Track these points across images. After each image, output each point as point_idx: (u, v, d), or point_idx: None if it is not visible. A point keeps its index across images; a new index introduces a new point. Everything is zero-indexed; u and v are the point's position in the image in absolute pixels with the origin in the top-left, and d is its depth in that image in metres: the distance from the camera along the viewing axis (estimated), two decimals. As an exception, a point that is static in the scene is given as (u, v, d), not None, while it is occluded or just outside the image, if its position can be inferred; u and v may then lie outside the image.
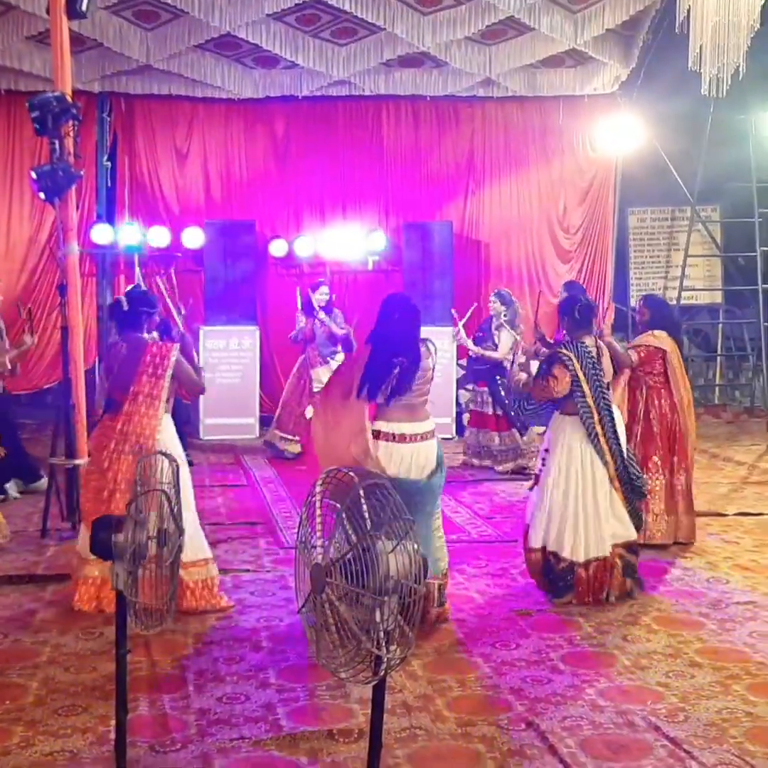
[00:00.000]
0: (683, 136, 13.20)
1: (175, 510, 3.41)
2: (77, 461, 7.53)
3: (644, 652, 5.31)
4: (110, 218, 13.03)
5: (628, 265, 14.51)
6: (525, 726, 4.40)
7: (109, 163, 13.14)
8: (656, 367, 7.54)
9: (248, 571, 6.82)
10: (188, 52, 12.33)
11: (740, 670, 5.03)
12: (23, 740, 4.23)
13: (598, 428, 6.08)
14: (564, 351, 6.18)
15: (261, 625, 5.73)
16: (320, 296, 10.72)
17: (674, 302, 14.18)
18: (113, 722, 4.09)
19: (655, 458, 7.44)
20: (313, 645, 3.06)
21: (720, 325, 14.98)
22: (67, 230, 7.56)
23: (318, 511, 3.06)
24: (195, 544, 5.87)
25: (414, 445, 5.67)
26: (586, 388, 6.08)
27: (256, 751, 4.16)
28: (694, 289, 14.47)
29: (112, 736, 4.10)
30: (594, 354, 6.20)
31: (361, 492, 2.95)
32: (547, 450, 6.31)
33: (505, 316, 9.94)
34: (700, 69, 8.99)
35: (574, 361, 6.12)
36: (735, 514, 8.45)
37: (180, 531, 3.46)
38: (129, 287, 9.22)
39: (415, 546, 2.85)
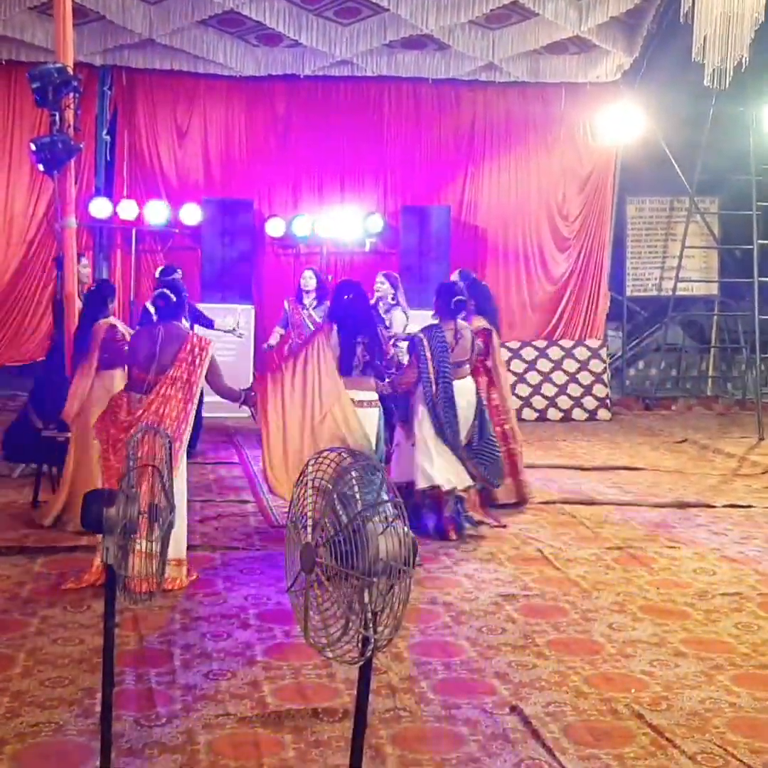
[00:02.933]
0: (684, 127, 13.18)
1: (168, 486, 3.42)
2: (68, 434, 7.52)
3: (629, 640, 5.33)
4: (109, 192, 13.00)
5: (626, 255, 14.50)
6: (509, 710, 4.42)
7: (108, 137, 13.12)
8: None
9: (237, 548, 6.85)
10: (191, 28, 12.28)
11: (724, 660, 5.06)
12: (9, 711, 4.25)
13: (435, 397, 7.21)
14: (419, 334, 7.40)
15: (249, 603, 5.75)
16: (305, 281, 10.30)
17: (670, 293, 14.22)
18: (99, 695, 4.11)
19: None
20: (301, 624, 3.07)
21: (715, 317, 15.00)
22: (65, 203, 7.54)
23: (309, 491, 3.07)
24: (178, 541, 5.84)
25: (363, 411, 6.74)
26: (430, 365, 7.22)
27: (240, 728, 4.18)
28: (690, 280, 14.48)
29: (98, 708, 4.11)
30: (449, 338, 7.32)
31: (353, 473, 2.96)
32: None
33: (392, 299, 9.83)
34: (703, 60, 8.98)
35: (425, 341, 7.26)
36: (724, 506, 8.47)
37: (171, 507, 3.47)
38: (163, 273, 9.17)
39: (406, 529, 2.86)
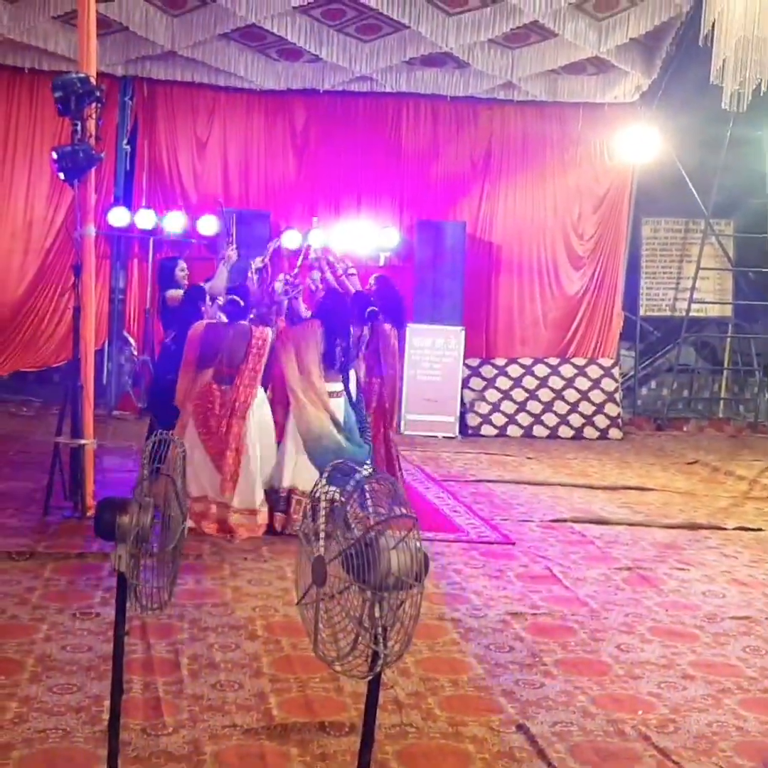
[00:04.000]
0: (701, 149, 13.21)
1: (181, 495, 3.43)
2: (82, 441, 7.56)
3: (638, 661, 5.32)
4: (127, 202, 13.08)
5: (640, 275, 14.52)
6: (515, 729, 4.41)
7: (128, 147, 13.23)
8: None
9: (246, 559, 6.86)
10: (213, 41, 12.38)
11: (732, 684, 5.05)
12: (17, 716, 4.25)
13: None
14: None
15: (257, 614, 5.76)
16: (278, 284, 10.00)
17: (683, 314, 14.22)
18: (107, 703, 4.12)
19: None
20: (311, 636, 3.08)
21: (728, 339, 14.99)
22: (84, 212, 7.58)
23: (322, 504, 3.08)
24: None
25: (335, 400, 7.64)
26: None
27: (247, 740, 4.18)
28: (704, 302, 14.48)
29: (105, 716, 4.12)
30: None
31: (367, 487, 2.97)
32: None
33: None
34: (721, 83, 9.00)
35: None
36: (734, 529, 8.45)
37: (183, 516, 3.49)
38: (164, 260, 9.37)
39: (418, 544, 2.87)
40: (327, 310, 7.85)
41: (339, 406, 7.72)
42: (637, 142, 13.25)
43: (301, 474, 7.57)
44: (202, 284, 8.60)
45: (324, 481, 3.08)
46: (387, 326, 8.57)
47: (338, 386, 7.77)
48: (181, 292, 8.65)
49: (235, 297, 7.80)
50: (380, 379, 8.58)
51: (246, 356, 7.48)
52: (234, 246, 9.20)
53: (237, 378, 7.46)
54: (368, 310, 8.35)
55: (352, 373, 8.10)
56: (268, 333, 7.62)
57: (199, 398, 7.54)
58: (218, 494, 7.45)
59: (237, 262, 8.91)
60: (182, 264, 9.19)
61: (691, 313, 14.26)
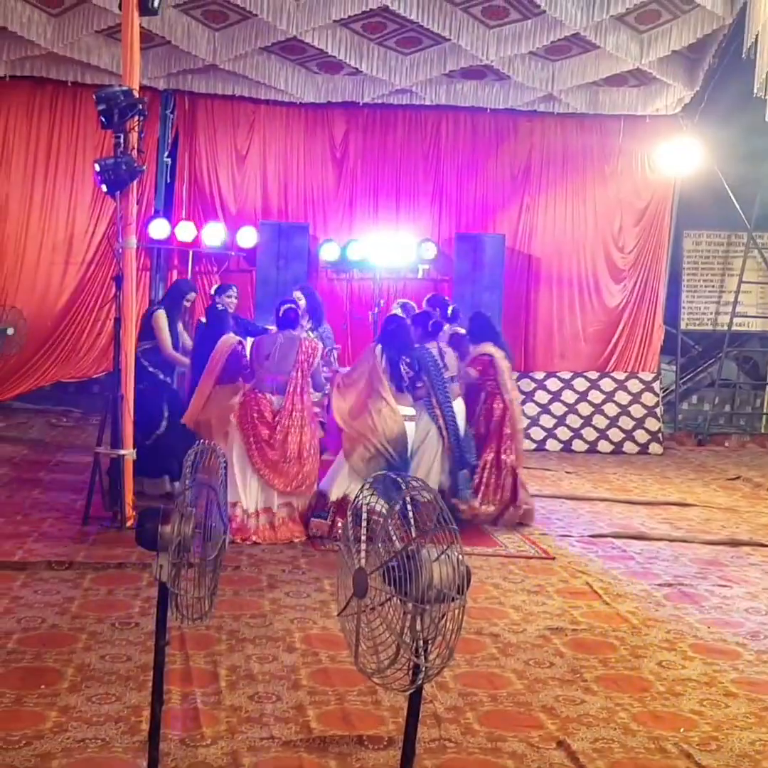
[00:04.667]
0: (743, 162, 13.09)
1: (223, 507, 3.43)
2: (122, 451, 7.59)
3: (679, 678, 5.26)
4: (167, 214, 13.16)
5: (681, 288, 14.38)
6: (556, 745, 4.37)
7: (169, 160, 13.32)
8: (490, 373, 8.78)
9: (284, 571, 6.85)
10: (254, 54, 12.43)
11: (776, 703, 4.98)
12: (56, 725, 4.26)
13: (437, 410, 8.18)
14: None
15: (295, 626, 5.75)
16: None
17: (725, 328, 14.09)
18: (145, 713, 4.13)
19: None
20: (351, 649, 3.06)
21: (771, 353, 14.86)
22: (126, 223, 7.63)
23: (364, 516, 3.07)
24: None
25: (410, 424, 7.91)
26: (428, 381, 8.13)
27: (285, 752, 4.17)
28: (746, 316, 14.34)
29: (144, 726, 4.13)
30: (436, 354, 8.26)
31: (408, 498, 2.95)
32: None
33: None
34: (764, 95, 8.93)
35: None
36: (777, 545, 8.35)
37: (224, 527, 3.48)
38: (218, 290, 9.43)
39: (460, 556, 2.85)
40: (386, 332, 8.14)
41: (410, 430, 7.92)
42: (678, 155, 13.16)
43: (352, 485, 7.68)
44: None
45: (367, 492, 3.06)
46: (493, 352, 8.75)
47: (408, 410, 7.95)
48: (168, 343, 8.79)
49: (292, 306, 8.09)
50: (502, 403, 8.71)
51: (297, 364, 7.70)
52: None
53: (289, 385, 7.67)
54: (431, 321, 8.51)
55: (459, 405, 8.43)
56: (318, 344, 8.00)
57: (243, 409, 7.69)
58: (268, 500, 7.68)
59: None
60: (233, 290, 9.32)
61: (733, 327, 14.13)
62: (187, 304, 9.31)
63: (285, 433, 7.63)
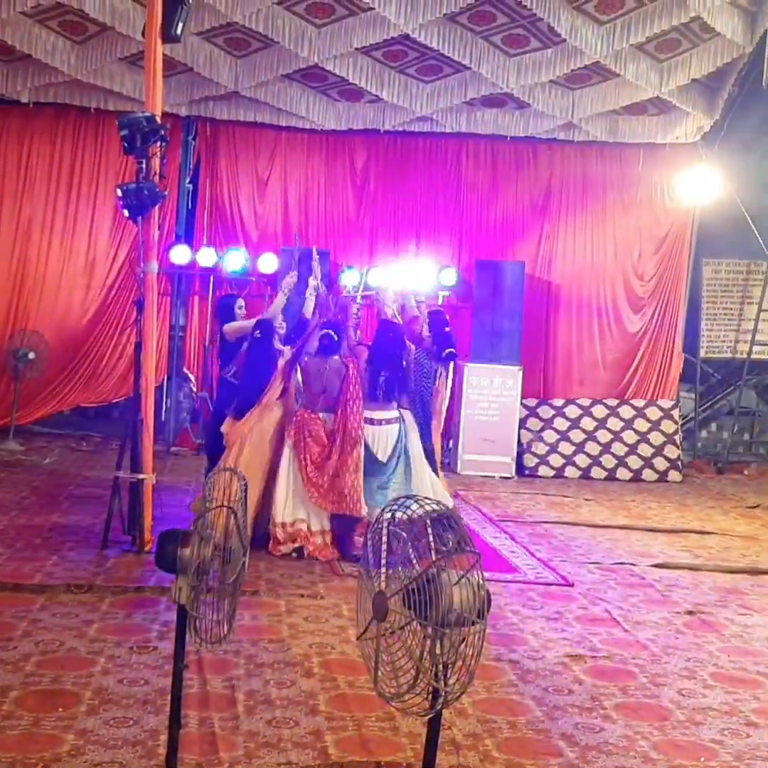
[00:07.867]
0: (763, 191, 13.07)
1: (243, 527, 3.43)
2: (141, 476, 7.61)
3: (699, 707, 5.21)
4: (189, 240, 13.23)
5: (701, 316, 14.34)
6: (575, 773, 4.34)
7: (190, 186, 13.40)
8: None
9: (302, 596, 6.84)
10: (275, 82, 12.52)
11: (798, 733, 4.93)
12: (74, 748, 4.26)
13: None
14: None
15: (313, 651, 5.73)
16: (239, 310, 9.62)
17: (744, 356, 14.04)
18: (163, 737, 4.12)
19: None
20: (371, 673, 3.05)
21: (791, 383, 14.77)
22: (148, 248, 7.69)
23: (383, 539, 3.06)
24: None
25: (382, 428, 8.09)
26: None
27: (302, 777, 4.15)
28: (765, 344, 14.28)
29: (161, 750, 4.12)
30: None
31: (428, 521, 2.95)
32: None
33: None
34: (785, 123, 8.94)
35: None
36: (798, 575, 8.28)
37: (244, 549, 3.48)
38: (222, 298, 9.73)
39: (481, 580, 2.84)
40: (376, 341, 8.31)
41: (390, 434, 8.11)
42: (698, 183, 13.15)
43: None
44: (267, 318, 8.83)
45: (387, 516, 3.06)
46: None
47: (388, 414, 8.16)
48: (237, 323, 8.88)
49: (331, 331, 8.23)
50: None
51: (346, 386, 7.99)
52: (318, 280, 9.41)
53: (339, 407, 7.98)
54: (446, 351, 8.68)
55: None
56: (356, 360, 8.20)
57: (297, 427, 8.01)
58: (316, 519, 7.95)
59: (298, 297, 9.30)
60: (241, 301, 9.43)
61: (753, 356, 14.08)
62: (241, 312, 9.42)
63: (341, 450, 7.90)
